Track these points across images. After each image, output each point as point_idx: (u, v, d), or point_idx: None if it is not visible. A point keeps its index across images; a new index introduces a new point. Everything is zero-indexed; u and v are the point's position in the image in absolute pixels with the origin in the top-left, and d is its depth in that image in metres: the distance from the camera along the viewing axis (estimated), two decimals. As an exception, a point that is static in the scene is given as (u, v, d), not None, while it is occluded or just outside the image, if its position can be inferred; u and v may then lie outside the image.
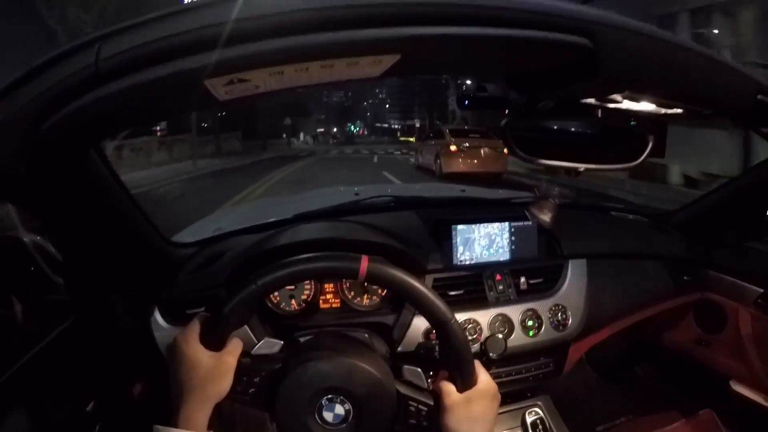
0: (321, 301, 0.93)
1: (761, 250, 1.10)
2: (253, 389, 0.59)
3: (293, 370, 0.58)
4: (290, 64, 0.34)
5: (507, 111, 0.60)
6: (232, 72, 0.33)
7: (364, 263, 0.57)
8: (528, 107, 0.59)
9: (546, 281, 1.02)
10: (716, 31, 8.23)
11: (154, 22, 0.33)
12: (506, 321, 0.94)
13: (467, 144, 9.00)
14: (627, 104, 0.56)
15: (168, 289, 0.83)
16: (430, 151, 10.05)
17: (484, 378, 0.60)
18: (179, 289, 0.84)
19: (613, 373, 1.46)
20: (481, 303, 0.95)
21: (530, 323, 0.95)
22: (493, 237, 0.99)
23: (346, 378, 0.58)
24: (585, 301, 1.00)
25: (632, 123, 0.64)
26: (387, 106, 69.07)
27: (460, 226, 0.97)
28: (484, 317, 0.93)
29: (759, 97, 0.47)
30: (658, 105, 0.55)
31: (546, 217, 0.89)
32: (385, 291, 0.93)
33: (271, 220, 1.06)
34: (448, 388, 0.59)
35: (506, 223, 1.00)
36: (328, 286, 0.93)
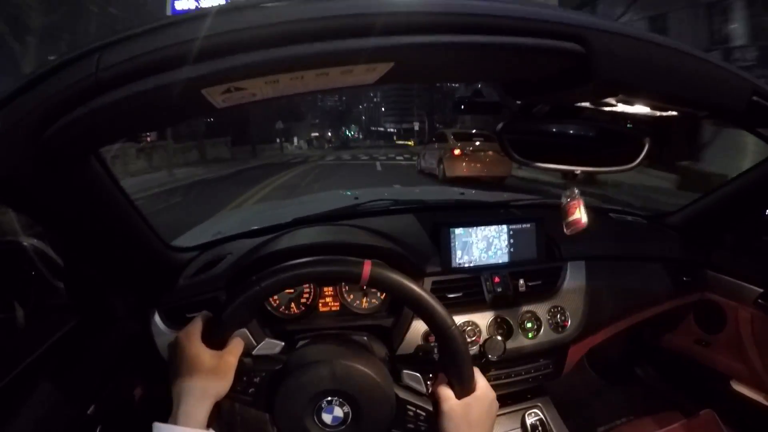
0: (320, 305, 0.93)
1: (760, 249, 1.10)
2: (252, 389, 0.60)
3: (293, 373, 0.59)
4: (286, 73, 0.34)
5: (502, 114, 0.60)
6: (229, 81, 0.34)
7: (367, 268, 0.57)
8: (523, 111, 0.59)
9: (545, 283, 1.02)
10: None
11: (152, 32, 0.33)
12: (505, 323, 0.94)
13: (471, 147, 8.80)
14: (622, 107, 0.56)
15: (168, 293, 0.84)
16: (433, 155, 9.89)
17: (482, 384, 0.61)
18: (179, 293, 0.85)
19: (613, 374, 1.46)
20: (480, 305, 0.96)
21: (529, 325, 0.95)
22: (491, 240, 0.99)
23: (345, 381, 0.58)
24: (584, 302, 1.00)
25: (628, 125, 0.65)
26: (383, 109, 68.87)
27: (458, 230, 0.97)
28: (482, 319, 0.93)
29: (754, 98, 0.48)
30: (653, 107, 0.56)
31: (583, 216, 0.83)
32: (384, 294, 0.94)
33: (271, 224, 1.06)
34: (447, 393, 0.59)
35: (504, 226, 1.00)
36: (328, 290, 0.94)
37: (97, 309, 0.75)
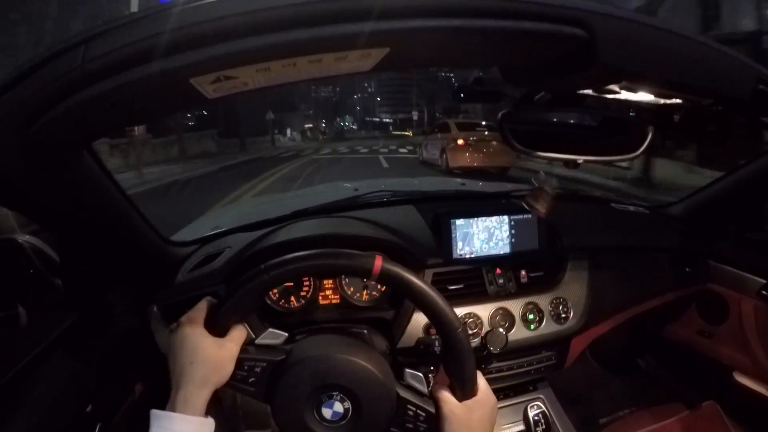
0: (320, 297, 0.93)
1: (763, 240, 1.09)
2: (253, 378, 0.59)
3: (292, 366, 0.58)
4: (278, 60, 0.33)
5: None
6: (218, 69, 0.33)
7: (378, 263, 0.56)
8: (525, 100, 0.58)
9: (547, 274, 1.01)
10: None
11: (137, 22, 0.32)
12: (507, 315, 0.94)
13: (474, 137, 8.62)
14: (625, 95, 0.55)
15: (167, 289, 0.83)
16: (435, 146, 9.77)
17: (484, 388, 0.60)
18: (178, 288, 0.84)
19: (616, 365, 1.46)
20: (482, 297, 0.95)
21: (531, 317, 0.95)
22: (492, 230, 0.98)
23: (346, 376, 0.58)
24: (586, 294, 1.00)
25: (631, 114, 0.63)
26: (378, 99, 68.04)
27: (459, 221, 0.96)
28: (484, 311, 0.93)
29: (760, 87, 0.46)
30: (657, 95, 0.54)
31: (541, 207, 0.88)
32: (385, 287, 0.93)
33: (270, 217, 1.05)
34: (448, 396, 0.59)
35: (506, 217, 0.99)
36: (327, 283, 0.93)
37: (96, 306, 0.74)
